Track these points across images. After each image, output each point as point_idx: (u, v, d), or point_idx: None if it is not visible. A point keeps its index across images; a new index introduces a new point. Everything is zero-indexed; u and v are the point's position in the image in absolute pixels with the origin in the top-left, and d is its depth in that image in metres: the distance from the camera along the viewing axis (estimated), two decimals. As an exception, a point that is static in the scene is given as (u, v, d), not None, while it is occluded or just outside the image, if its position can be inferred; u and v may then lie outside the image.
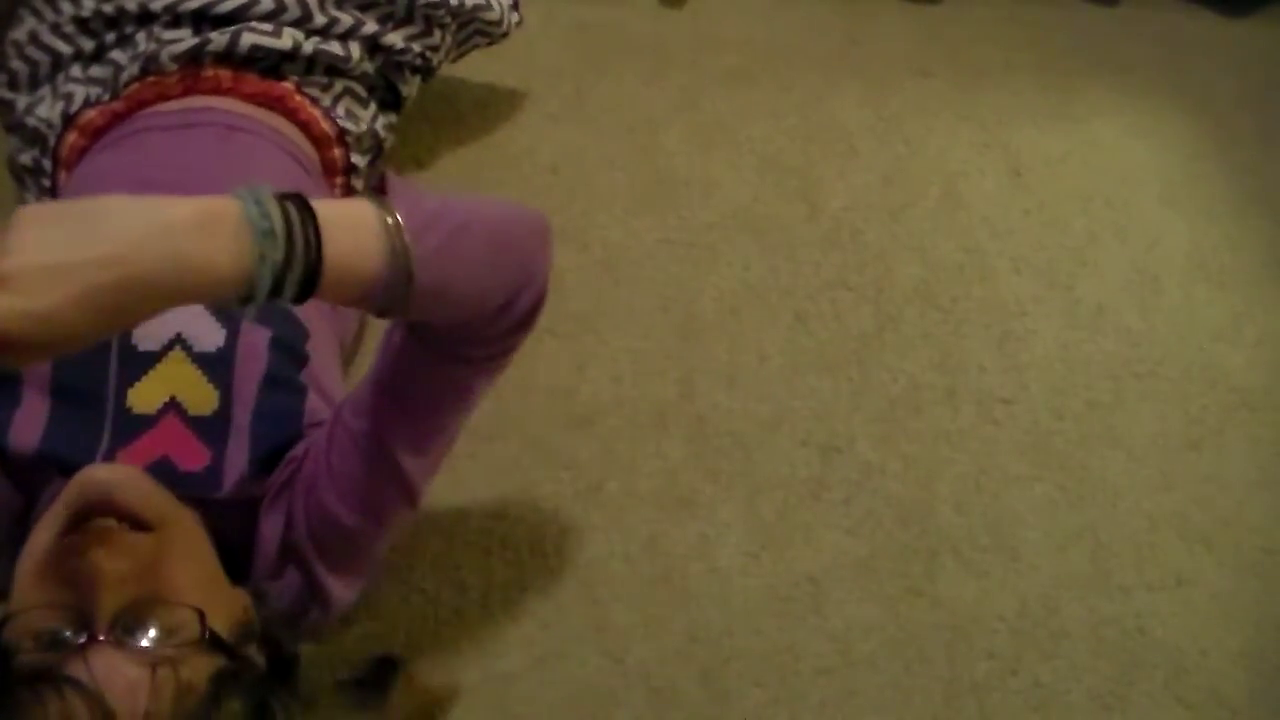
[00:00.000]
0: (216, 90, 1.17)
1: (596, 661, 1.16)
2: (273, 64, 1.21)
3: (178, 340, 0.99)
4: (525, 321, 0.97)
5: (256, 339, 1.01)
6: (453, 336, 0.93)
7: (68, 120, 1.18)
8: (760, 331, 1.45)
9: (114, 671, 0.77)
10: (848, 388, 1.41)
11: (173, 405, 0.97)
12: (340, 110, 1.23)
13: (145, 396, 0.97)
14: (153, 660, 0.79)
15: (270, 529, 0.99)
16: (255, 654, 0.89)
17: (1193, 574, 1.30)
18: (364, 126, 1.25)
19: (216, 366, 0.99)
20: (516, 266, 0.95)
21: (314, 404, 1.03)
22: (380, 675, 1.02)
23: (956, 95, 1.76)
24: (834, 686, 1.18)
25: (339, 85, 1.24)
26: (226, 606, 0.88)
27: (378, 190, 0.96)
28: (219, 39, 1.16)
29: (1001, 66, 1.82)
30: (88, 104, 1.18)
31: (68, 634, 0.79)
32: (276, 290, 0.73)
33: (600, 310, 1.44)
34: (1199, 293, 1.57)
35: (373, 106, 1.27)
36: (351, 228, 0.75)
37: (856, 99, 1.73)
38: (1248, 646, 1.25)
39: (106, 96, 1.18)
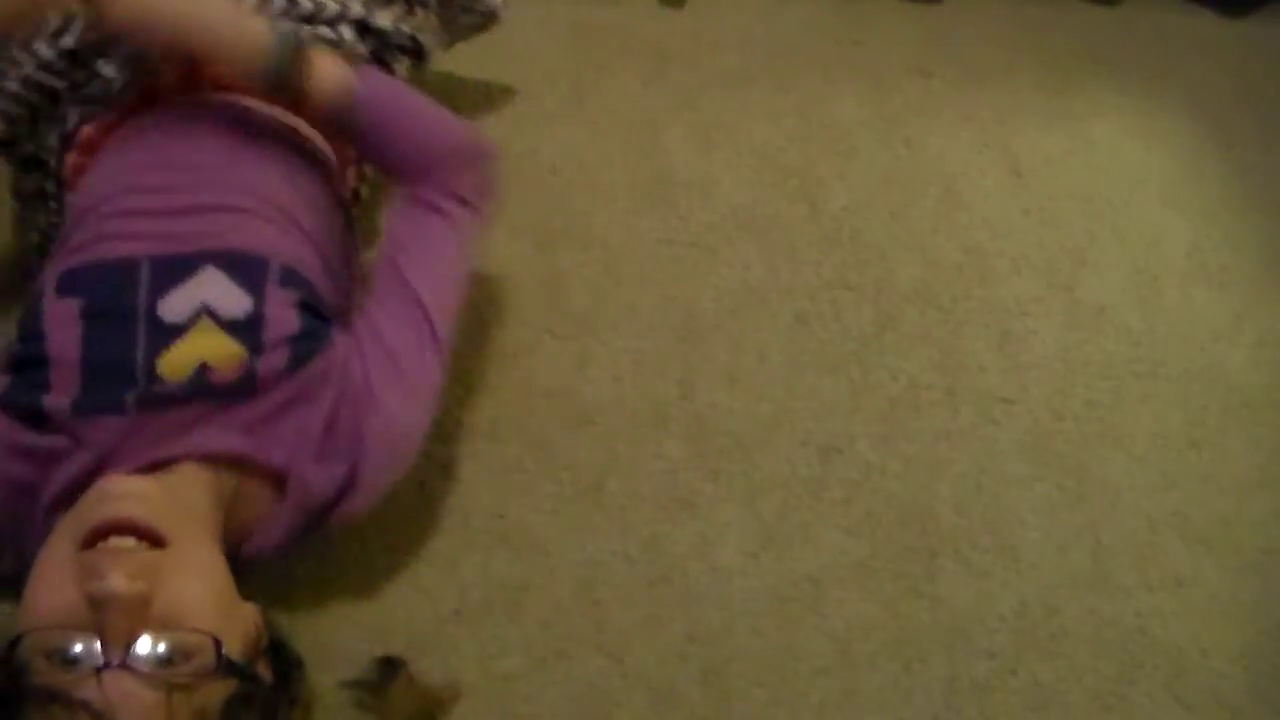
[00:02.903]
0: (217, 86, 1.18)
1: (596, 661, 1.16)
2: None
3: (204, 310, 1.00)
4: (468, 188, 1.15)
5: (283, 301, 1.02)
6: (408, 171, 1.14)
7: (65, 141, 1.18)
8: (760, 331, 1.45)
9: (128, 696, 0.77)
10: (848, 388, 1.41)
11: (203, 368, 0.98)
12: None
13: (174, 365, 0.98)
14: (167, 686, 0.78)
15: (314, 416, 1.00)
16: (264, 670, 0.89)
17: (1193, 574, 1.30)
18: None
19: (246, 330, 1.00)
20: (449, 133, 1.17)
21: (338, 300, 1.11)
22: (381, 675, 1.02)
23: (956, 95, 1.76)
24: (834, 686, 1.18)
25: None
26: (240, 625, 0.88)
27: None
28: None
29: (1001, 66, 1.82)
30: (83, 121, 1.18)
31: (82, 655, 0.78)
32: (281, 67, 1.05)
33: (600, 310, 1.44)
34: (1199, 293, 1.57)
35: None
36: (330, 60, 1.10)
37: (856, 99, 1.73)
38: (1248, 646, 1.25)
39: (102, 111, 1.17)
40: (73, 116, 1.18)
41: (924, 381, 1.42)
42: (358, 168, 1.29)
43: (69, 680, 0.77)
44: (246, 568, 0.99)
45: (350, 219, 1.26)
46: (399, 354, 1.05)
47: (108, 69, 1.16)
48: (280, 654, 0.92)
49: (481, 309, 1.41)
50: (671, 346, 1.42)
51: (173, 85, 1.18)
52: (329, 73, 1.09)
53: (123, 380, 0.97)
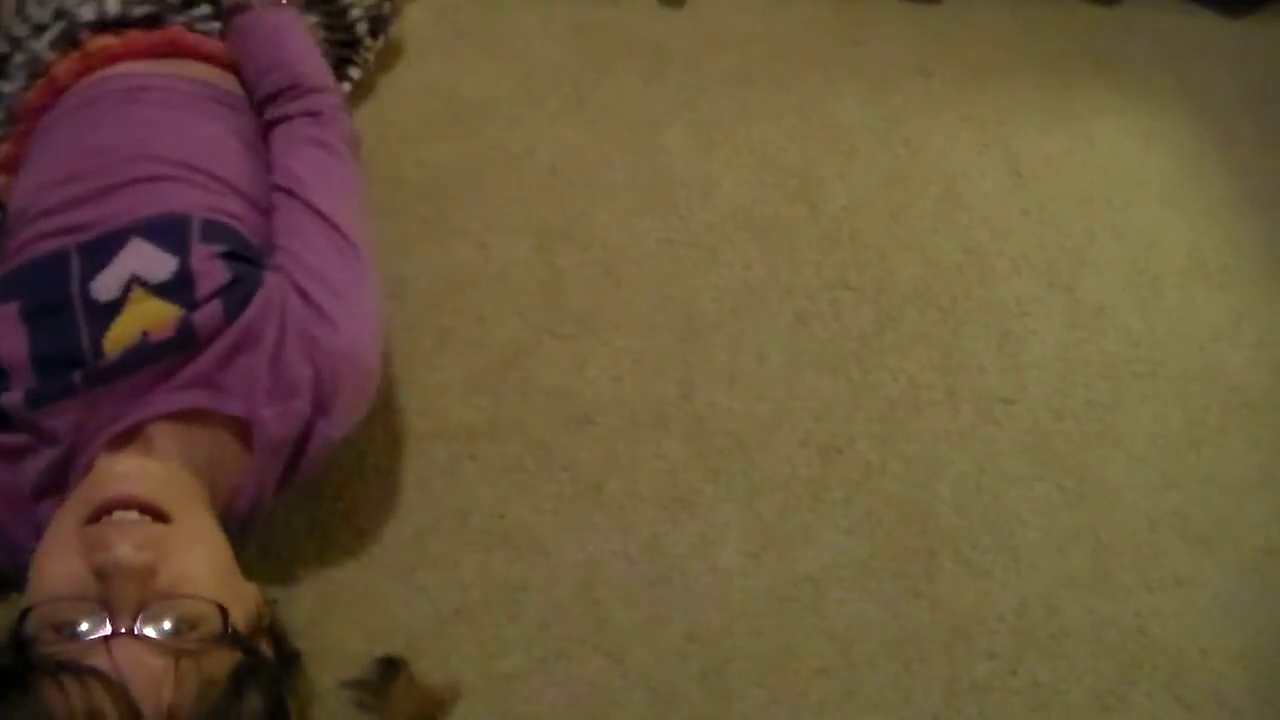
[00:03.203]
0: (111, 60, 1.20)
1: (596, 661, 1.16)
2: (155, 15, 1.24)
3: (133, 280, 1.01)
4: (338, 133, 1.19)
5: (209, 255, 1.03)
6: (264, 90, 1.20)
7: None
8: (760, 331, 1.45)
9: (138, 663, 0.78)
10: (848, 388, 1.41)
11: (144, 336, 1.00)
12: None
13: (118, 341, 0.99)
14: (176, 653, 0.80)
15: (259, 358, 1.01)
16: (267, 648, 0.90)
17: (1193, 574, 1.30)
18: None
19: (177, 290, 1.01)
20: (322, 76, 1.23)
21: (261, 240, 1.11)
22: (381, 675, 1.03)
23: (956, 95, 1.76)
24: (834, 686, 1.18)
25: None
26: (242, 601, 0.90)
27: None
28: (85, 11, 1.20)
29: (1001, 66, 1.82)
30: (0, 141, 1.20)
31: (90, 626, 0.80)
32: None
33: (600, 310, 1.44)
34: (1199, 293, 1.57)
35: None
36: None
37: (856, 99, 1.73)
38: (1248, 646, 1.25)
39: (10, 126, 1.20)
40: None
41: (924, 381, 1.42)
42: None
43: (78, 650, 0.78)
44: (245, 531, 1.01)
45: None
46: (327, 274, 1.06)
47: (6, 86, 1.18)
48: (280, 640, 0.93)
49: (481, 309, 1.41)
50: (671, 346, 1.42)
51: (67, 75, 1.19)
52: None
53: (73, 367, 0.98)
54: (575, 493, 1.28)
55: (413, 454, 1.28)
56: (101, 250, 1.03)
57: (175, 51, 1.22)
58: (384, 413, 1.30)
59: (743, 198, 1.59)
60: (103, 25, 1.21)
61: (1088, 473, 1.37)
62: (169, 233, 1.04)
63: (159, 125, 1.15)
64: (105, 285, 1.01)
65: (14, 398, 0.97)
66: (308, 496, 1.21)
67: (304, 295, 1.04)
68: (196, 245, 1.03)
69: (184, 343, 0.99)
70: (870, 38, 1.83)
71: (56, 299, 1.01)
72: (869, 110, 1.72)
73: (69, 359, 0.98)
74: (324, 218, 1.10)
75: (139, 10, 1.23)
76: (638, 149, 1.62)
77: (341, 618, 1.14)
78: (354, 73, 1.51)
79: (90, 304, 1.00)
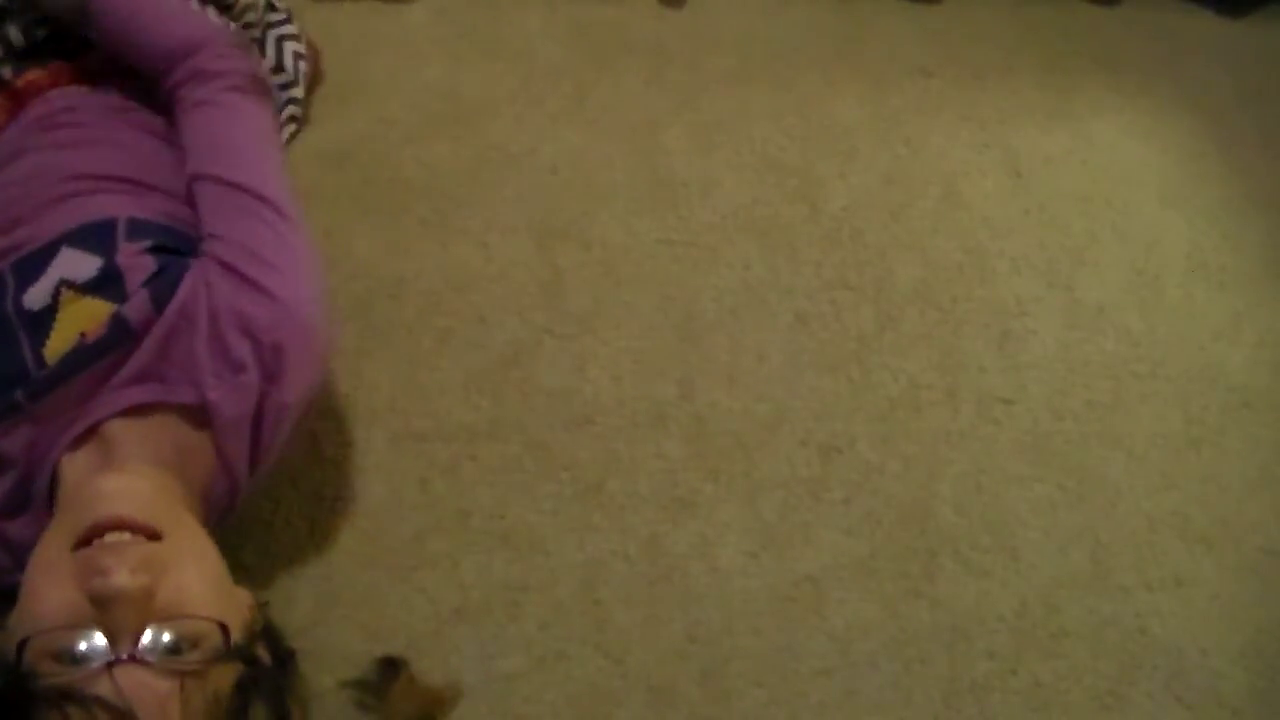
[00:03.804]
0: (40, 90, 1.21)
1: (596, 661, 1.16)
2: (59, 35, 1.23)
3: (61, 284, 1.01)
4: (233, 75, 1.16)
5: (135, 250, 1.03)
6: (161, 62, 1.17)
7: None
8: (760, 331, 1.45)
9: (143, 688, 0.77)
10: (848, 388, 1.41)
11: (80, 338, 0.99)
12: None
13: (58, 346, 0.99)
14: (179, 673, 0.79)
15: (197, 341, 1.00)
16: (263, 652, 0.90)
17: (1193, 574, 1.30)
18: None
19: (107, 285, 1.01)
20: (191, 24, 1.20)
21: (184, 216, 1.10)
22: (382, 676, 1.02)
23: (956, 95, 1.76)
24: (834, 686, 1.18)
25: None
26: (238, 610, 0.89)
27: None
28: None
29: (1001, 66, 1.82)
30: None
31: (90, 652, 0.78)
32: None
33: (600, 310, 1.44)
34: (1199, 293, 1.57)
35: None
36: None
37: (856, 99, 1.73)
38: (1248, 646, 1.25)
39: None
40: None
41: (924, 381, 1.42)
42: None
43: (80, 678, 0.77)
44: (226, 519, 1.02)
45: None
46: (254, 247, 1.04)
47: None
48: (273, 642, 0.93)
49: (481, 309, 1.41)
50: (671, 346, 1.42)
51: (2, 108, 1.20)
52: None
53: (19, 383, 0.98)
54: (575, 493, 1.28)
55: (413, 454, 1.28)
56: (32, 265, 1.03)
57: (102, 69, 1.22)
58: (384, 413, 1.30)
59: (743, 198, 1.59)
60: (19, 58, 1.22)
61: (1088, 473, 1.37)
62: (96, 236, 1.04)
63: (77, 146, 1.15)
64: (37, 295, 1.01)
65: None
66: (307, 496, 1.22)
67: (231, 270, 1.02)
68: (123, 244, 1.03)
69: (120, 337, 0.99)
70: (870, 38, 1.83)
71: None
72: (869, 110, 1.72)
73: (15, 377, 0.98)
74: (237, 188, 1.07)
75: (40, 32, 1.22)
76: (638, 149, 1.62)
77: (341, 618, 1.14)
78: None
79: (25, 315, 1.00)
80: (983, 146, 1.70)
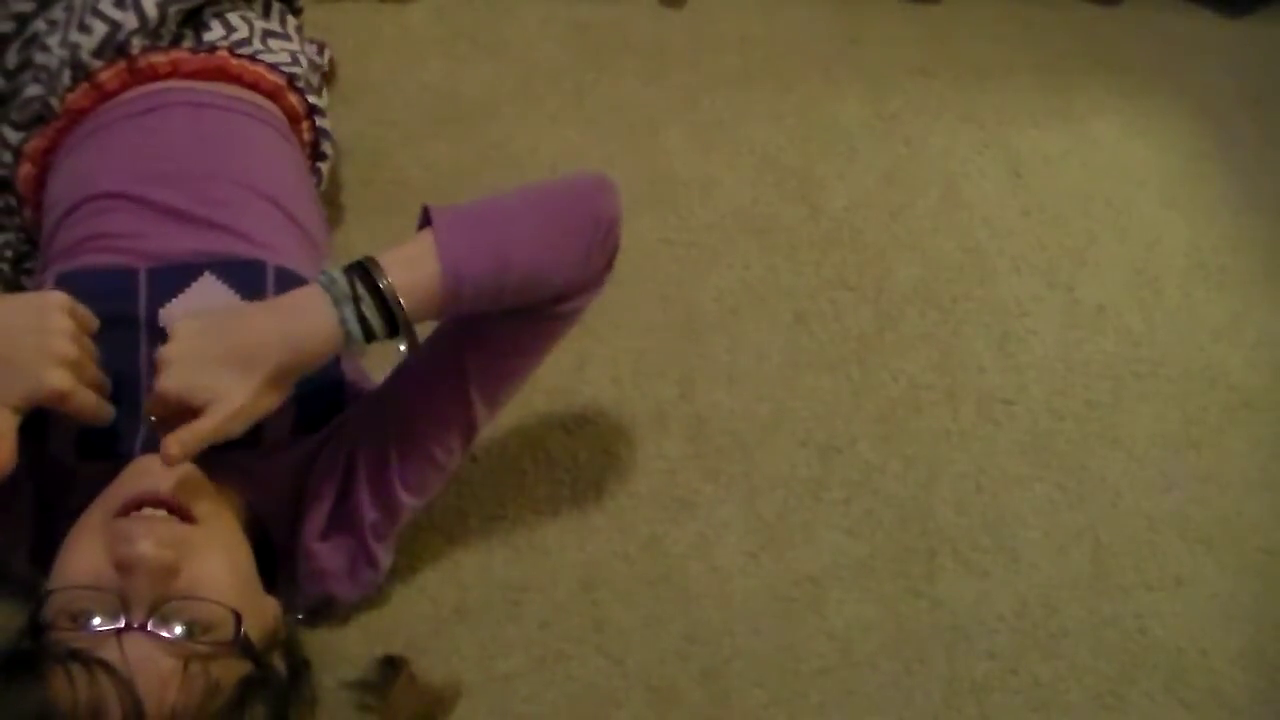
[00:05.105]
0: (156, 77, 1.16)
1: (596, 661, 1.16)
2: (196, 10, 1.19)
3: None
4: (608, 264, 1.05)
5: None
6: (551, 300, 1.02)
7: (15, 155, 1.17)
8: (760, 331, 1.45)
9: (146, 660, 0.78)
10: (848, 388, 1.41)
11: None
12: (273, 53, 1.22)
13: None
14: (185, 654, 0.80)
15: (320, 492, 1.02)
16: (278, 662, 0.90)
17: (1193, 574, 1.30)
18: (302, 61, 1.24)
19: None
20: (580, 224, 1.01)
21: (353, 375, 1.07)
22: (383, 675, 1.02)
23: (956, 95, 1.76)
24: (834, 686, 1.18)
25: (257, 25, 1.23)
26: (260, 613, 0.90)
27: (422, 222, 1.01)
28: (128, 20, 1.14)
29: (1001, 66, 1.82)
30: (27, 138, 1.17)
31: (105, 617, 0.80)
32: (366, 327, 0.90)
33: (600, 310, 1.42)
34: (1199, 293, 1.57)
35: (290, 21, 1.29)
36: (407, 260, 0.93)
37: (856, 99, 1.73)
38: (1248, 646, 1.25)
39: (41, 124, 1.16)
40: (13, 136, 1.17)
41: (924, 381, 1.43)
42: (310, 121, 1.26)
43: (90, 640, 0.78)
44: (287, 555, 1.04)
45: (315, 171, 1.29)
46: (401, 517, 1.08)
47: (34, 89, 1.15)
48: (292, 653, 0.93)
49: (481, 309, 1.41)
50: (671, 346, 1.42)
51: (112, 82, 1.15)
52: (410, 282, 0.91)
53: (124, 386, 0.96)
54: (575, 493, 1.28)
55: (413, 454, 1.28)
56: (172, 279, 1.01)
57: (221, 76, 1.17)
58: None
59: (743, 198, 1.59)
60: (148, 35, 1.16)
61: (1088, 473, 1.37)
62: (243, 275, 1.02)
63: (227, 142, 1.13)
64: (174, 315, 0.99)
65: (64, 445, 0.96)
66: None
67: (386, 451, 1.04)
68: (271, 295, 1.01)
69: (244, 443, 0.94)
70: (870, 38, 1.83)
71: (121, 314, 0.98)
72: (869, 110, 1.72)
73: (122, 378, 0.96)
74: (471, 422, 1.06)
75: (174, 7, 1.16)
76: (638, 149, 1.62)
77: (341, 618, 1.14)
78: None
79: (155, 330, 0.99)
80: (983, 146, 1.70)
